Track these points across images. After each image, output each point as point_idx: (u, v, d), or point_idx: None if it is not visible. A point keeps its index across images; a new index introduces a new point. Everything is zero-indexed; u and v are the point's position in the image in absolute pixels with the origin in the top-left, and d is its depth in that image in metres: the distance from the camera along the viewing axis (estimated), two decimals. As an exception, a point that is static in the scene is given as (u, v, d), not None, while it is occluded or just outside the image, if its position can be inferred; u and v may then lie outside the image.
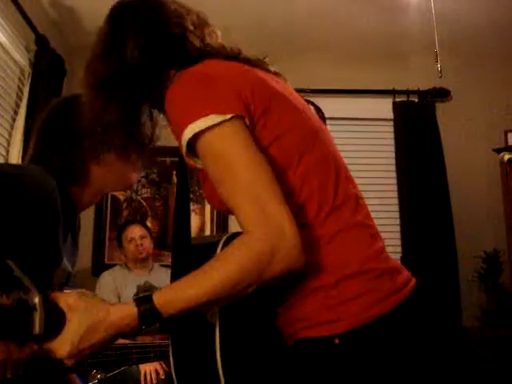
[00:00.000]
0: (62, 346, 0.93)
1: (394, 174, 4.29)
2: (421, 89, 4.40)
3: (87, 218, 4.07)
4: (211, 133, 0.98)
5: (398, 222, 4.21)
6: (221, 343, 1.00)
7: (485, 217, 4.22)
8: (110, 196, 4.17)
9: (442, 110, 4.40)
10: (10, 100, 3.32)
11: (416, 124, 4.33)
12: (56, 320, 0.93)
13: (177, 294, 0.96)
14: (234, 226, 2.78)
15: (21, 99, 3.36)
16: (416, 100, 4.42)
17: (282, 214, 0.93)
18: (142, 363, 2.94)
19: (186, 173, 1.22)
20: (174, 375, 1.09)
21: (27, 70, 3.43)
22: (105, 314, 0.96)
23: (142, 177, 4.22)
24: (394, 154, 4.30)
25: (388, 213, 4.13)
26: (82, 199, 1.53)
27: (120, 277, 3.61)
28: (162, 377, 3.14)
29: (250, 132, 1.01)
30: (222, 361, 0.99)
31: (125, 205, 4.23)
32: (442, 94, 4.41)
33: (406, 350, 1.02)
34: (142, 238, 3.64)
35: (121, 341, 2.30)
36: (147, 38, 1.14)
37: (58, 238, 1.47)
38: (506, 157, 2.56)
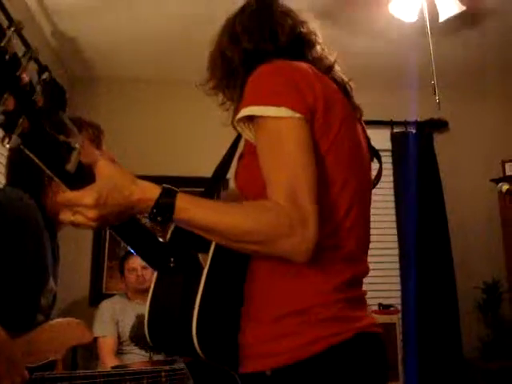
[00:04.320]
0: (90, 193, 0.95)
1: (392, 205, 4.32)
2: (419, 120, 4.44)
3: (85, 246, 4.06)
4: (278, 121, 1.04)
5: (396, 252, 4.20)
6: (205, 287, 1.03)
7: (483, 247, 4.22)
8: (108, 225, 4.16)
9: (439, 141, 4.44)
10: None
11: (414, 155, 4.35)
12: (87, 173, 0.98)
13: (197, 206, 1.00)
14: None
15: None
16: (414, 131, 4.46)
17: (313, 210, 0.98)
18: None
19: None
20: (146, 314, 1.10)
21: (28, 99, 3.45)
22: (129, 184, 0.99)
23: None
24: (392, 184, 4.35)
25: (386, 243, 4.13)
26: (57, 215, 1.57)
27: (119, 306, 3.58)
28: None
29: (311, 137, 1.06)
30: (200, 303, 1.02)
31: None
32: (440, 125, 4.46)
33: None
34: (143, 268, 3.62)
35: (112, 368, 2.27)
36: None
37: (46, 256, 1.50)
38: (504, 187, 2.56)
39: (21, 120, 0.83)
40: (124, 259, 3.74)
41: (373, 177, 1.32)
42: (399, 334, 3.67)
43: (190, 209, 0.99)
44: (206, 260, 1.06)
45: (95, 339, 3.34)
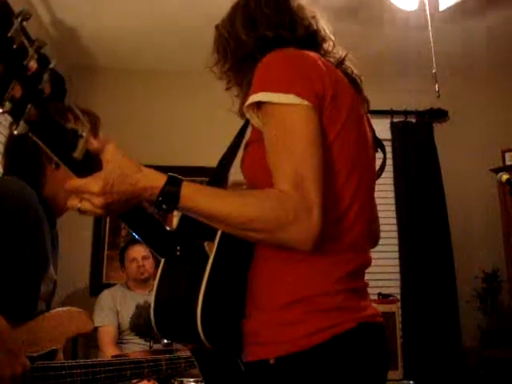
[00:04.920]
0: (97, 180, 0.96)
1: (392, 194, 4.31)
2: (418, 109, 4.43)
3: (85, 235, 4.06)
4: (286, 108, 1.04)
5: (396, 241, 4.21)
6: (210, 275, 1.04)
7: (483, 237, 4.22)
8: (108, 215, 4.16)
9: (439, 131, 4.43)
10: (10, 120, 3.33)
11: (414, 144, 4.35)
12: (94, 160, 0.98)
13: (202, 195, 1.02)
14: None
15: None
16: (414, 120, 4.45)
17: (318, 198, 0.98)
18: (136, 379, 2.92)
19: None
20: (152, 302, 1.12)
21: (27, 89, 3.44)
22: (136, 172, 1.01)
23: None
24: (392, 174, 4.33)
25: (386, 232, 4.12)
26: (56, 203, 1.58)
27: (119, 295, 3.61)
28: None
29: (318, 126, 1.06)
30: (204, 292, 1.03)
31: (124, 223, 4.20)
32: (440, 114, 4.45)
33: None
34: (144, 258, 3.63)
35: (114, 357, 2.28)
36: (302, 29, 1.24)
37: (46, 244, 1.50)
38: (504, 177, 2.55)
39: (28, 107, 0.84)
40: (124, 249, 3.75)
41: (377, 167, 1.32)
42: (398, 324, 3.68)
43: (195, 197, 1.01)
44: (212, 248, 1.07)
45: (95, 329, 3.35)
